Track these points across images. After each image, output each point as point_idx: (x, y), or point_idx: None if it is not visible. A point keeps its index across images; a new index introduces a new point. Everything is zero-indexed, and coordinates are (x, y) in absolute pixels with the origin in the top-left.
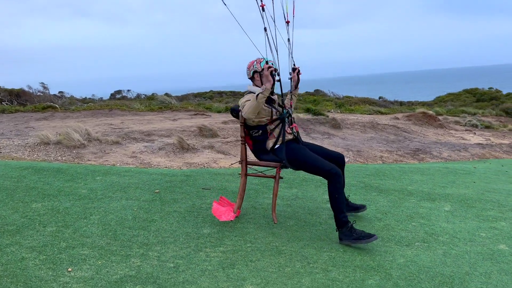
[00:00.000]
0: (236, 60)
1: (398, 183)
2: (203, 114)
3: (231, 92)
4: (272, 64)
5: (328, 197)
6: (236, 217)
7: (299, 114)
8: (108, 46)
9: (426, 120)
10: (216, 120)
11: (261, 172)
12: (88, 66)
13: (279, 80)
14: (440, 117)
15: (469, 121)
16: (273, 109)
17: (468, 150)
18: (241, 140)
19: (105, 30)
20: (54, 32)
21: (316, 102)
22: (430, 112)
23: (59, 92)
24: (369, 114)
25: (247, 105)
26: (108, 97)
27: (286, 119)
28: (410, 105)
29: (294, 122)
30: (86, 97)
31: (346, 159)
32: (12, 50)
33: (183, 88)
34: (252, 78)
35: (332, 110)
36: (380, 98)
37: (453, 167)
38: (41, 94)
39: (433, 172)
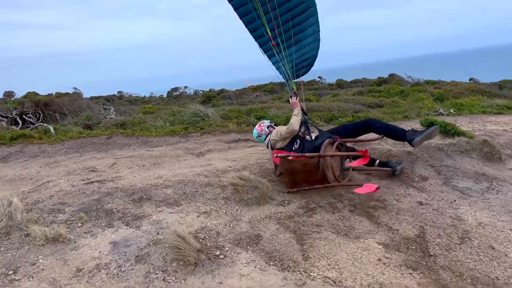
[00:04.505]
0: None
1: None
2: (247, 140)
3: (307, 83)
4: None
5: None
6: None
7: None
8: (171, 42)
9: None
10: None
11: None
12: (150, 64)
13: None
14: None
15: None
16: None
17: None
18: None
19: (169, 27)
20: (121, 32)
21: (405, 94)
22: None
23: (118, 92)
24: (497, 112)
25: (291, 122)
26: (166, 95)
27: (307, 122)
28: None
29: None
30: (145, 96)
31: None
32: (78, 53)
33: (243, 80)
34: (269, 133)
35: (440, 110)
36: (471, 80)
37: None
38: (77, 98)
39: None
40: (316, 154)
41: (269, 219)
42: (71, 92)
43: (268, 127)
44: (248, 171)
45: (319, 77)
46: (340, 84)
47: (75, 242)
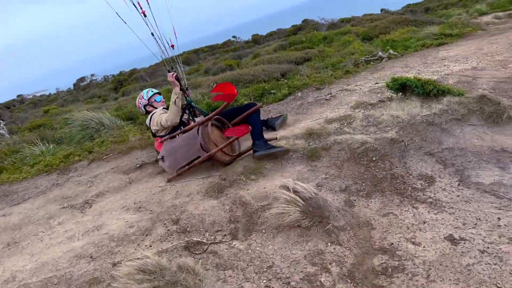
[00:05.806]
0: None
1: None
2: (155, 162)
3: (223, 44)
4: (174, 71)
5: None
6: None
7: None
8: (68, 30)
9: None
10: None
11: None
12: (48, 57)
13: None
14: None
15: None
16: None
17: None
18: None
19: (61, 13)
20: (8, 28)
21: (329, 40)
22: None
23: (18, 95)
24: (439, 44)
25: (169, 115)
26: (73, 87)
27: (191, 104)
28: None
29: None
30: (50, 94)
31: None
32: None
33: (153, 54)
34: (148, 112)
35: (378, 53)
36: (382, 10)
37: None
38: None
39: None
40: (195, 124)
41: None
42: None
43: (145, 106)
44: (162, 228)
45: (234, 37)
46: (256, 39)
47: None
